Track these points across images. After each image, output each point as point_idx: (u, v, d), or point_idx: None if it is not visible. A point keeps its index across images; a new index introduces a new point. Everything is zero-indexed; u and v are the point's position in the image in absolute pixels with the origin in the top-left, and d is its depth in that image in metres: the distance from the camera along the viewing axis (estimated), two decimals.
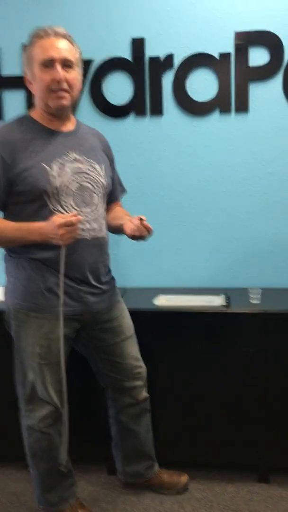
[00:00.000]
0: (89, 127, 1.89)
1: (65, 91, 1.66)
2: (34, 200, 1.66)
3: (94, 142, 1.83)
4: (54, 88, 1.65)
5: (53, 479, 1.84)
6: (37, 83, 1.67)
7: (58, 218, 1.59)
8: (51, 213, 1.66)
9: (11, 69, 2.41)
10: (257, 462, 2.10)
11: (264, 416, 2.05)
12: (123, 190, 2.04)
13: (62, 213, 1.67)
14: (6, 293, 1.79)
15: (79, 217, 1.61)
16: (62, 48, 1.65)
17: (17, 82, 2.38)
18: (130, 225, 1.74)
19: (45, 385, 1.75)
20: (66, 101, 1.68)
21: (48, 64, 1.64)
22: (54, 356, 1.73)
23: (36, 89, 1.69)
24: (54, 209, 1.67)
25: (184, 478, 2.07)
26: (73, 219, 1.58)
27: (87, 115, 2.37)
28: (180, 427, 2.12)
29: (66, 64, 1.66)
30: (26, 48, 1.71)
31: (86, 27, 2.33)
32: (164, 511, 1.96)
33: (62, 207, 1.68)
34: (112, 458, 2.08)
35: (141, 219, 1.70)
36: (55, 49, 1.64)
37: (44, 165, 1.66)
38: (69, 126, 1.78)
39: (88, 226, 1.72)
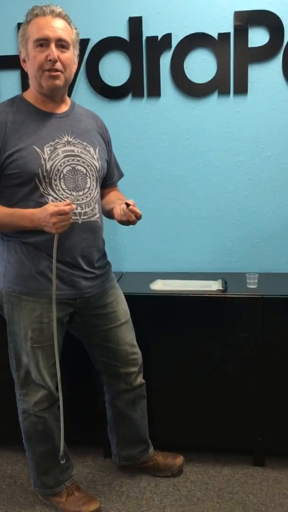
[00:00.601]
0: (85, 108, 1.86)
1: (59, 71, 1.63)
2: (25, 184, 1.64)
3: (89, 124, 1.80)
4: (47, 68, 1.62)
5: (49, 462, 1.85)
6: (31, 62, 1.64)
7: (51, 206, 1.57)
8: (42, 196, 1.64)
9: (6, 49, 2.36)
10: (253, 446, 2.11)
11: (259, 400, 2.06)
12: (121, 174, 2.01)
13: (53, 196, 1.65)
14: None
15: (73, 206, 1.58)
16: (58, 27, 1.62)
17: (12, 62, 2.34)
18: (118, 209, 1.71)
19: (38, 369, 1.74)
20: (60, 82, 1.65)
21: (43, 43, 1.61)
22: (47, 339, 1.72)
23: (29, 68, 1.66)
24: (45, 193, 1.64)
25: (179, 460, 2.08)
26: (67, 208, 1.56)
27: (82, 96, 2.33)
28: (176, 410, 2.12)
29: (61, 44, 1.63)
30: (21, 26, 1.67)
31: (82, 5, 2.28)
32: (159, 493, 1.98)
33: (53, 190, 1.65)
34: (108, 441, 2.09)
35: (127, 204, 1.67)
36: (51, 28, 1.61)
37: (36, 148, 1.63)
38: (63, 108, 1.75)
39: (80, 210, 1.70)
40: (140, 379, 1.96)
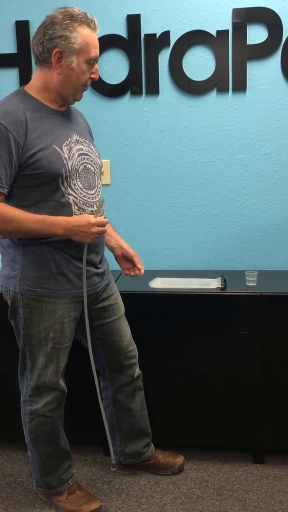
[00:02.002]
0: (73, 106, 1.84)
1: None
2: (46, 184, 1.62)
3: (82, 123, 1.82)
4: (88, 84, 1.68)
5: (53, 462, 1.84)
6: (76, 74, 1.63)
7: (91, 217, 1.64)
8: (63, 196, 1.64)
9: (4, 48, 2.35)
10: (252, 443, 2.11)
11: (259, 398, 2.06)
12: None
13: (74, 196, 1.66)
14: (10, 280, 1.72)
15: (107, 220, 1.69)
16: (98, 45, 1.67)
17: (10, 60, 2.34)
18: (126, 264, 1.94)
19: (57, 370, 1.75)
20: None
21: (93, 61, 1.65)
22: (67, 340, 1.74)
23: (70, 77, 1.63)
24: (66, 193, 1.65)
25: (179, 460, 2.08)
26: (105, 221, 1.66)
27: None
28: (175, 408, 2.12)
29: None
30: (63, 23, 1.59)
31: (80, 2, 2.26)
32: (159, 491, 1.98)
33: (73, 190, 1.66)
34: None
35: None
36: (98, 47, 1.66)
37: (56, 147, 1.63)
38: (63, 107, 1.75)
39: (94, 208, 1.71)
40: (138, 371, 1.98)
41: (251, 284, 2.09)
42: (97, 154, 1.78)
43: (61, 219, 1.62)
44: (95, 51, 1.64)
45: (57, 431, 1.82)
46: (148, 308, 2.07)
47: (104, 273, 1.83)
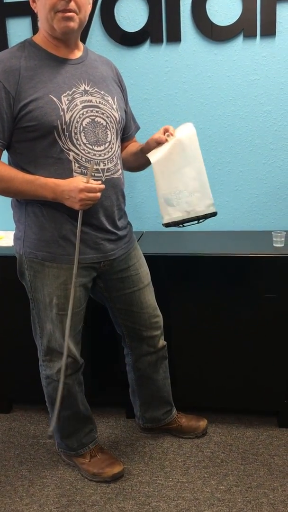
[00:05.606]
0: (98, 54, 1.73)
1: (73, 11, 1.50)
2: (42, 137, 1.53)
3: (104, 71, 1.68)
4: (61, 9, 1.48)
5: (72, 426, 1.84)
6: (41, 1, 1.50)
7: (81, 182, 1.50)
8: (62, 152, 1.54)
9: None
10: (277, 407, 2.08)
11: (284, 361, 2.00)
12: (137, 127, 1.89)
13: (75, 152, 1.55)
14: (17, 242, 1.70)
15: (103, 186, 1.53)
16: None
17: (21, 9, 2.20)
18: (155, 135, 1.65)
19: (64, 336, 1.70)
20: (74, 24, 1.52)
21: None
22: (72, 306, 1.67)
23: (40, 8, 1.53)
24: (65, 148, 1.55)
25: (203, 423, 2.06)
26: (97, 187, 1.51)
27: (97, 43, 2.19)
28: (199, 371, 2.09)
29: None
30: None
31: None
32: (183, 454, 1.97)
33: (74, 145, 1.55)
34: (131, 402, 2.07)
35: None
36: None
37: (53, 97, 1.52)
38: (77, 53, 1.63)
39: (102, 166, 1.60)
40: (162, 342, 1.92)
41: (278, 245, 2.00)
42: (115, 107, 1.64)
43: (51, 182, 1.53)
44: None
45: (74, 396, 1.79)
46: (170, 270, 2.00)
47: (122, 240, 1.73)
